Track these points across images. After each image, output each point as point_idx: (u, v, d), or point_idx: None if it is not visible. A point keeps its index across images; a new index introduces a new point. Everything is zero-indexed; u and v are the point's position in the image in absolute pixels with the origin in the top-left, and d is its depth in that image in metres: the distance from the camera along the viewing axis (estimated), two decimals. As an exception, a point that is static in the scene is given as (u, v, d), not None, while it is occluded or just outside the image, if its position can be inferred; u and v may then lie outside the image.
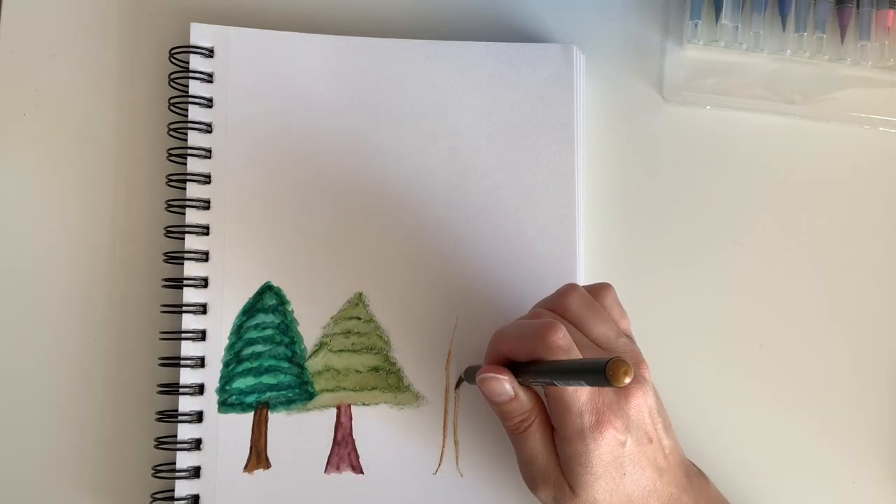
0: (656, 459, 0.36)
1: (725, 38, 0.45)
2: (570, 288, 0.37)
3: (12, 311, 0.42)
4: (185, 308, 0.41)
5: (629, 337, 0.38)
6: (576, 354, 0.34)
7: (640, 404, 0.35)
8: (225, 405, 0.41)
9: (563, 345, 0.34)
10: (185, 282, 0.41)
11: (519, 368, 0.36)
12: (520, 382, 0.36)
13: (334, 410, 0.41)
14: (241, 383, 0.41)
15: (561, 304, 0.37)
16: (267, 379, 0.41)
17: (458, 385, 0.42)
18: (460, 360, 0.42)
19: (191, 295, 0.41)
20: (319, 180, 0.42)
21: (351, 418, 0.41)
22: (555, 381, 0.33)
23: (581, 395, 0.34)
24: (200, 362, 0.41)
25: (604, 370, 0.28)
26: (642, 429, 0.35)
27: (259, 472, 0.40)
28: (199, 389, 0.41)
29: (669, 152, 0.46)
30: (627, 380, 0.28)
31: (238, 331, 0.41)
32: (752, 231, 0.45)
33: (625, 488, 0.35)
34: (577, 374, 0.31)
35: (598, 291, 0.38)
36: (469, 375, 0.40)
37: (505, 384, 0.35)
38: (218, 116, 0.42)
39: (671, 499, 0.36)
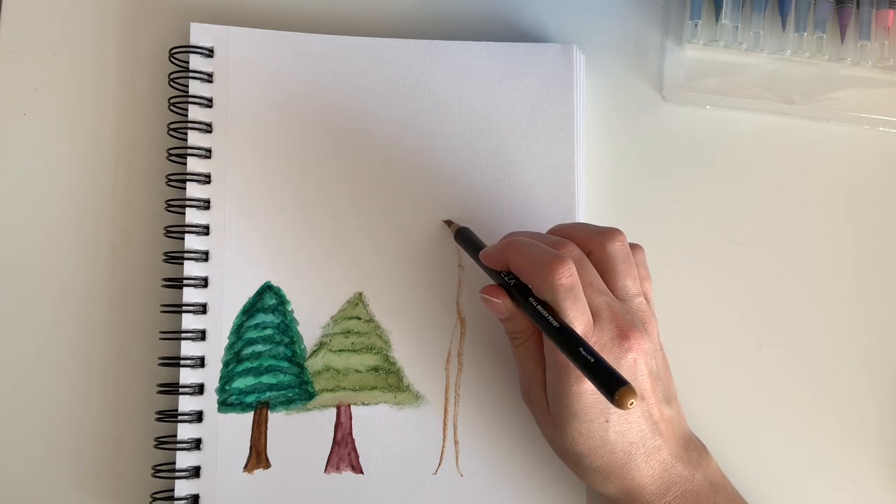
0: (650, 416, 0.36)
1: (725, 38, 0.45)
2: (617, 233, 0.37)
3: (12, 310, 0.42)
4: (184, 308, 0.41)
5: (647, 299, 0.38)
6: (576, 295, 0.34)
7: (637, 360, 0.35)
8: (225, 405, 0.41)
9: (566, 283, 0.34)
10: (185, 282, 0.41)
11: (521, 289, 0.36)
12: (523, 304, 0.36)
13: (334, 410, 0.41)
14: (240, 383, 0.41)
15: (599, 243, 0.37)
16: (267, 379, 0.41)
17: (455, 235, 0.42)
18: (463, 362, 0.42)
19: (191, 295, 0.41)
20: (319, 180, 0.42)
21: (351, 418, 0.41)
22: (551, 338, 0.34)
23: (577, 327, 0.34)
24: (200, 362, 0.41)
25: (613, 393, 0.29)
26: (635, 383, 0.35)
27: (259, 472, 0.40)
28: (199, 389, 0.41)
29: (669, 152, 0.46)
30: (631, 406, 0.29)
31: (238, 331, 0.41)
32: (752, 231, 0.45)
33: (606, 435, 0.35)
34: (585, 368, 0.31)
35: (633, 251, 0.38)
36: (467, 244, 0.40)
37: (501, 306, 0.37)
38: (218, 116, 0.42)
39: (663, 464, 0.36)
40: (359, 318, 0.42)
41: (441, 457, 0.41)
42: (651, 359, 0.36)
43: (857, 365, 0.45)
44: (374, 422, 0.41)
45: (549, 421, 0.37)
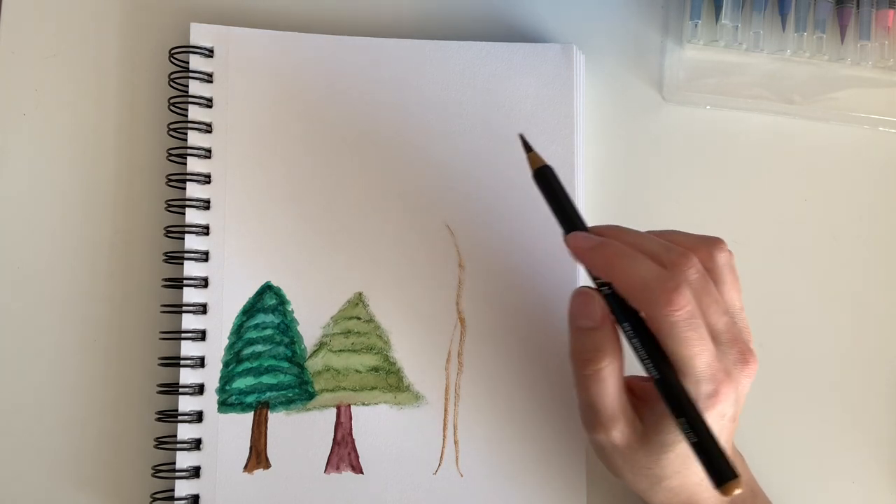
0: (731, 438, 0.36)
1: (725, 38, 0.45)
2: (722, 241, 0.35)
3: (12, 310, 0.42)
4: (185, 308, 0.41)
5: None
6: (696, 325, 0.31)
7: (748, 383, 0.34)
8: (225, 405, 0.41)
9: (684, 315, 0.31)
10: (185, 282, 0.41)
11: (625, 308, 0.33)
12: (618, 321, 0.33)
13: (334, 410, 0.41)
14: (240, 383, 0.41)
15: (708, 253, 0.34)
16: (267, 379, 0.41)
17: (536, 175, 0.37)
18: (463, 362, 0.42)
19: (191, 295, 0.41)
20: (319, 180, 0.42)
21: (351, 418, 0.41)
22: (663, 395, 0.32)
23: (701, 358, 0.32)
24: (200, 362, 0.41)
25: (722, 483, 0.30)
26: (739, 406, 0.34)
27: (259, 472, 0.40)
28: (199, 389, 0.41)
29: (669, 152, 0.46)
30: (735, 493, 0.29)
31: (238, 331, 0.41)
32: (752, 231, 0.45)
33: (691, 458, 0.34)
34: (697, 448, 0.31)
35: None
36: (549, 194, 0.36)
37: (596, 309, 0.33)
38: (218, 116, 0.42)
39: None
40: (359, 318, 0.42)
41: (441, 457, 0.41)
42: (748, 382, 0.35)
43: (857, 365, 0.45)
44: (374, 422, 0.41)
45: (635, 451, 0.34)
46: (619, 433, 0.35)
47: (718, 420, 0.33)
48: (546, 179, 0.37)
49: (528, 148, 0.37)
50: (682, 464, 0.34)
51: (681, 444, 0.34)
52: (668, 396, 0.32)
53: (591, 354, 0.34)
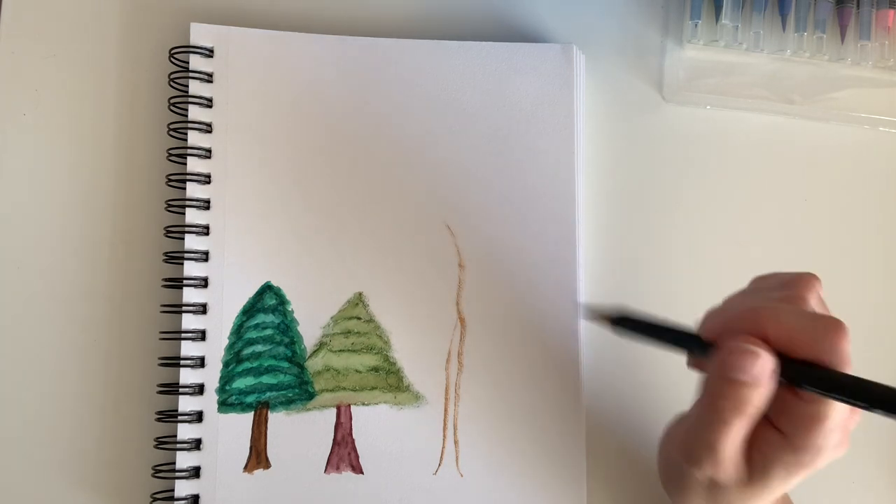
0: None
1: (725, 38, 0.45)
2: (817, 280, 0.33)
3: (12, 310, 0.42)
4: (185, 308, 0.41)
5: None
6: (849, 365, 0.30)
7: None
8: (225, 405, 0.41)
9: (849, 352, 0.30)
10: (185, 282, 0.41)
11: (792, 363, 0.31)
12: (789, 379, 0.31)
13: (334, 410, 0.41)
14: (240, 383, 0.41)
15: (804, 298, 0.32)
16: (267, 379, 0.41)
17: (613, 322, 0.35)
18: (463, 362, 0.42)
19: (191, 295, 0.41)
20: (319, 180, 0.42)
21: (351, 418, 0.41)
22: (847, 400, 0.29)
23: (842, 412, 0.30)
24: (200, 362, 0.41)
25: None
26: None
27: (259, 472, 0.40)
28: (199, 389, 0.41)
29: (669, 152, 0.46)
30: None
31: (238, 331, 0.41)
32: (752, 231, 0.45)
33: (783, 491, 0.33)
34: None
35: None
36: (643, 330, 0.34)
37: (763, 367, 0.30)
38: (218, 116, 0.42)
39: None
40: (359, 318, 0.42)
41: (441, 457, 0.41)
42: None
43: (857, 364, 0.44)
44: (374, 422, 0.41)
45: (733, 486, 0.33)
46: (724, 475, 0.33)
47: (814, 470, 0.32)
48: (629, 325, 0.35)
49: (594, 314, 0.36)
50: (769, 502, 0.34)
51: (779, 490, 0.33)
52: (848, 392, 0.29)
53: (741, 406, 0.31)
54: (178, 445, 0.40)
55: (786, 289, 0.33)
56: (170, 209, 0.42)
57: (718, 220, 0.45)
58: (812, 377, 0.30)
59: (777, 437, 0.32)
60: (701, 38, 0.45)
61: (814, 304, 0.33)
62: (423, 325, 0.42)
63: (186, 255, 0.41)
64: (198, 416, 0.41)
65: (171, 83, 0.42)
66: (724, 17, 0.44)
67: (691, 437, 0.33)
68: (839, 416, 0.31)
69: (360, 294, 0.42)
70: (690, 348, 0.34)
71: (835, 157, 0.46)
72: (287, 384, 0.41)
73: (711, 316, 0.34)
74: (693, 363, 0.36)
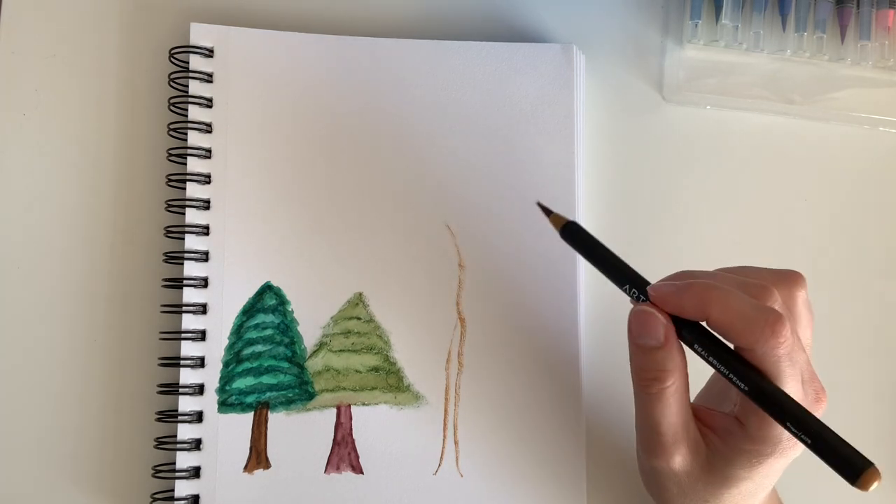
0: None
1: (725, 38, 0.45)
2: (801, 277, 0.33)
3: (12, 310, 0.42)
4: (185, 308, 0.41)
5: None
6: (794, 360, 0.30)
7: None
8: (225, 405, 0.41)
9: (786, 349, 0.30)
10: (185, 282, 0.41)
11: (699, 329, 0.31)
12: (682, 338, 0.31)
13: (334, 410, 0.41)
14: (240, 383, 0.41)
15: (788, 291, 0.32)
16: (267, 379, 0.41)
17: (561, 230, 0.35)
18: (463, 362, 0.42)
19: (191, 295, 0.41)
20: (319, 180, 0.42)
21: (351, 418, 0.41)
22: (766, 408, 0.30)
23: (795, 396, 0.30)
24: (200, 362, 0.41)
25: (858, 474, 0.26)
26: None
27: (259, 472, 0.40)
28: (199, 389, 0.41)
29: (669, 152, 0.46)
30: (874, 488, 0.27)
31: (238, 331, 0.41)
32: (752, 231, 0.45)
33: (756, 494, 0.33)
34: (821, 448, 0.28)
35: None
36: (584, 248, 0.35)
37: (660, 328, 0.31)
38: (218, 116, 0.42)
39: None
40: (359, 319, 0.42)
41: (441, 457, 0.41)
42: None
43: (857, 364, 0.45)
44: (374, 422, 0.41)
45: (694, 481, 0.33)
46: (681, 458, 0.33)
47: (789, 461, 0.32)
48: (576, 236, 0.35)
49: (547, 212, 0.37)
50: (742, 500, 0.34)
51: (746, 482, 0.33)
52: (766, 404, 0.30)
53: (656, 373, 0.32)
54: (178, 445, 0.40)
55: (760, 279, 0.33)
56: (170, 209, 0.42)
57: (718, 220, 0.45)
58: (724, 366, 0.31)
59: (737, 427, 0.32)
60: (701, 38, 0.45)
61: (784, 303, 0.32)
62: (423, 325, 0.42)
63: (186, 255, 0.41)
64: (198, 416, 0.41)
65: (171, 83, 0.42)
66: (724, 17, 0.44)
67: (638, 427, 0.34)
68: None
69: (360, 294, 0.42)
70: (626, 286, 0.34)
71: (835, 157, 0.46)
72: (287, 384, 0.41)
73: (673, 276, 0.34)
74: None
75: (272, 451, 0.41)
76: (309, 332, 0.42)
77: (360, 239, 0.42)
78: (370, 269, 0.42)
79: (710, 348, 0.31)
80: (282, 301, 0.42)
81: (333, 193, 0.42)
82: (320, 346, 0.42)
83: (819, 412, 0.33)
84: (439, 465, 0.41)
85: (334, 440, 0.41)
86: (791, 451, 0.32)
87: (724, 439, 0.33)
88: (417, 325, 0.42)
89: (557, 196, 0.43)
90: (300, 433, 0.41)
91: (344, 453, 0.41)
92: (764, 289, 0.31)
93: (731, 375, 0.31)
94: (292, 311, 0.42)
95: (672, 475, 0.34)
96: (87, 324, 0.42)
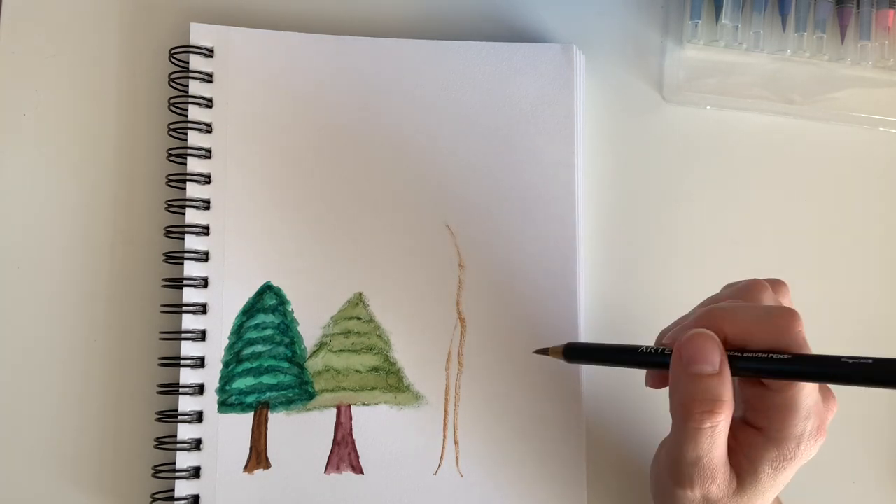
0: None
1: (725, 38, 0.45)
2: (762, 286, 0.34)
3: (12, 310, 0.42)
4: (185, 308, 0.41)
5: None
6: (808, 348, 0.31)
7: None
8: (225, 405, 0.41)
9: (804, 336, 0.31)
10: (185, 282, 0.41)
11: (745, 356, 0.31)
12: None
13: (334, 410, 0.41)
14: (240, 383, 0.41)
15: (757, 299, 0.33)
16: (267, 379, 0.41)
17: (565, 355, 0.37)
18: (463, 362, 0.42)
19: (191, 295, 0.41)
20: (319, 180, 0.42)
21: (351, 418, 0.41)
22: (810, 374, 0.30)
23: (811, 396, 0.31)
24: (200, 362, 0.41)
25: None
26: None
27: (259, 472, 0.40)
28: (199, 389, 0.41)
29: (669, 152, 0.46)
30: None
31: (238, 331, 0.41)
32: (752, 231, 0.45)
33: (772, 497, 0.33)
34: (876, 367, 0.28)
35: (779, 290, 0.35)
36: (592, 356, 0.36)
37: (717, 353, 0.30)
38: (218, 116, 0.42)
39: None
40: (359, 319, 0.42)
41: (441, 457, 0.41)
42: None
43: (857, 365, 0.44)
44: (374, 422, 0.41)
45: (725, 497, 0.33)
46: (716, 488, 0.32)
47: (807, 460, 0.32)
48: (578, 353, 0.37)
49: (543, 352, 0.38)
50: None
51: (771, 492, 0.33)
52: (814, 365, 0.30)
53: (711, 406, 0.31)
54: (178, 445, 0.40)
55: (737, 295, 0.34)
56: (170, 209, 0.42)
57: (718, 220, 0.45)
58: (773, 365, 0.30)
59: (757, 436, 0.32)
60: (701, 38, 0.45)
61: (770, 303, 0.33)
62: (423, 325, 0.42)
63: (186, 255, 0.41)
64: (198, 417, 0.41)
65: (171, 83, 0.42)
66: (724, 17, 0.44)
67: (676, 457, 0.33)
68: (810, 400, 0.31)
69: (360, 294, 0.42)
70: (647, 363, 0.34)
71: (835, 157, 0.46)
72: (287, 384, 0.41)
73: (666, 330, 0.35)
74: (651, 380, 0.37)
75: (272, 451, 0.41)
76: (309, 332, 0.42)
77: (360, 239, 0.42)
78: (370, 269, 0.42)
79: (752, 361, 0.31)
80: (282, 301, 0.42)
81: (333, 193, 0.42)
82: (320, 346, 0.42)
83: (830, 411, 0.33)
84: (439, 465, 0.41)
85: (334, 440, 0.41)
86: (810, 450, 0.32)
87: (746, 453, 0.33)
88: (417, 325, 0.42)
89: (557, 196, 0.43)
90: (300, 433, 0.41)
91: (344, 453, 0.41)
92: (753, 299, 0.33)
93: (782, 369, 0.30)
94: (292, 311, 0.42)
95: (697, 501, 0.33)
96: (87, 324, 0.42)
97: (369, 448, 0.41)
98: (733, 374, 0.31)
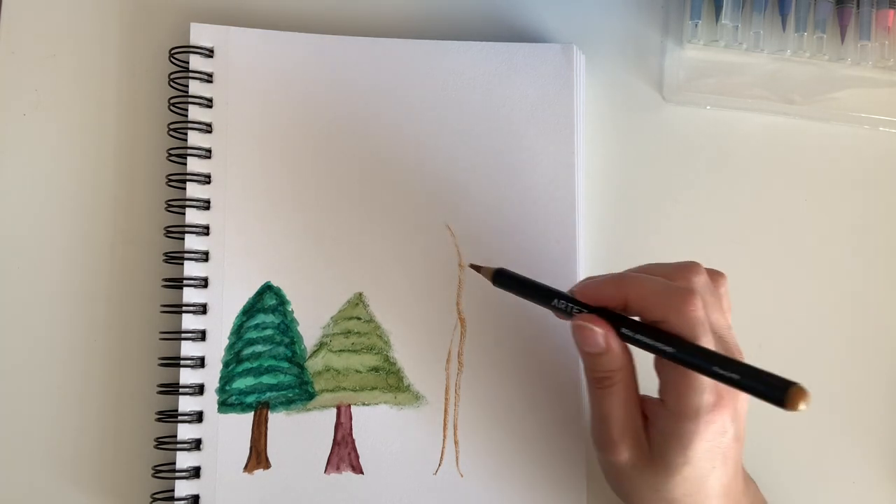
0: (738, 460, 0.35)
1: (725, 38, 0.45)
2: (697, 267, 0.35)
3: (12, 311, 0.42)
4: (185, 308, 0.41)
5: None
6: (707, 328, 0.32)
7: (746, 399, 0.34)
8: (225, 405, 0.41)
9: (701, 315, 0.32)
10: (185, 282, 0.41)
11: (628, 322, 0.34)
12: (621, 336, 0.34)
13: (334, 410, 0.41)
14: (240, 383, 0.41)
15: (686, 280, 0.35)
16: (267, 379, 0.41)
17: (493, 278, 0.38)
18: (463, 362, 0.42)
19: (191, 295, 0.41)
20: (319, 180, 0.42)
21: (351, 418, 0.41)
22: (686, 361, 0.32)
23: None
24: (200, 362, 0.41)
25: (784, 390, 0.28)
26: (740, 425, 0.34)
27: (259, 472, 0.40)
28: (199, 389, 0.41)
29: (669, 152, 0.46)
30: (803, 408, 0.28)
31: (238, 331, 0.41)
32: (752, 231, 0.45)
33: (707, 482, 0.34)
34: (747, 377, 0.30)
35: (715, 278, 0.36)
36: (517, 285, 0.38)
37: (599, 338, 0.34)
38: (218, 116, 0.42)
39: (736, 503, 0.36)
40: (359, 319, 0.42)
41: (441, 457, 0.41)
42: (746, 399, 0.35)
43: (857, 365, 0.45)
44: (374, 422, 0.41)
45: (642, 471, 0.35)
46: (627, 452, 0.35)
47: (719, 437, 0.33)
48: (507, 278, 0.38)
49: (476, 268, 0.39)
50: (692, 488, 0.34)
51: (685, 467, 0.34)
52: (692, 356, 0.32)
53: (603, 373, 0.35)
54: (178, 445, 0.40)
55: (671, 269, 0.35)
56: (170, 209, 0.42)
57: (718, 220, 0.45)
58: (658, 344, 0.33)
59: (662, 408, 0.34)
60: (701, 38, 0.45)
61: (697, 286, 0.35)
62: (423, 325, 0.42)
63: (186, 255, 0.41)
64: (198, 417, 0.41)
65: (171, 83, 0.42)
66: (724, 17, 0.44)
67: (592, 424, 0.36)
68: (703, 375, 0.32)
69: (360, 294, 0.42)
70: (558, 311, 0.37)
71: (835, 157, 0.46)
72: (287, 384, 0.41)
73: (586, 279, 0.37)
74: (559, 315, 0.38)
75: (272, 451, 0.41)
76: (309, 332, 0.42)
77: (360, 239, 0.42)
78: (370, 269, 0.42)
79: (639, 331, 0.34)
80: (282, 301, 0.42)
81: (334, 193, 0.42)
82: (320, 346, 0.42)
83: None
84: (439, 465, 0.41)
85: (334, 440, 0.41)
86: (714, 425, 0.33)
87: (654, 424, 0.35)
88: (417, 325, 0.42)
89: (557, 196, 0.43)
90: (300, 433, 0.41)
91: (344, 453, 0.41)
92: (683, 268, 0.35)
93: (657, 344, 0.33)
94: (292, 311, 0.42)
95: (623, 469, 0.35)
96: (87, 324, 0.42)
97: (369, 448, 0.41)
98: (630, 343, 0.34)
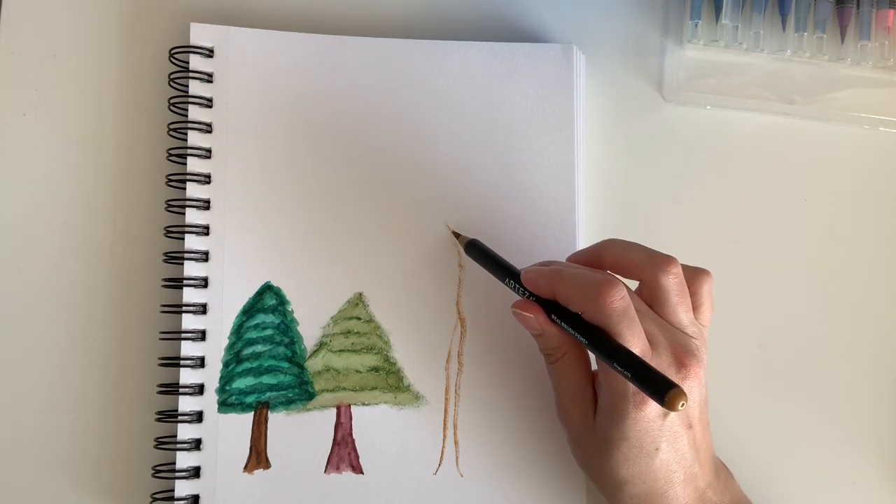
0: (695, 443, 0.36)
1: (725, 38, 0.45)
2: (672, 263, 0.36)
3: (12, 310, 0.42)
4: (184, 308, 0.41)
5: (704, 326, 0.38)
6: (631, 318, 0.34)
7: (693, 386, 0.35)
8: (225, 405, 0.41)
9: (619, 307, 0.33)
10: (185, 282, 0.41)
11: (556, 309, 0.36)
12: (552, 321, 0.36)
13: (334, 410, 0.41)
14: (240, 383, 0.41)
15: (652, 275, 0.36)
16: (267, 379, 0.41)
17: (465, 247, 0.41)
18: (463, 362, 0.42)
19: (191, 295, 0.41)
20: (319, 180, 0.42)
21: (351, 418, 0.41)
22: (599, 355, 0.34)
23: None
24: (200, 362, 0.41)
25: (665, 392, 0.30)
26: (686, 411, 0.35)
27: (259, 472, 0.40)
28: (199, 389, 0.41)
29: (669, 152, 0.46)
30: (680, 408, 0.30)
31: (238, 331, 0.41)
32: (752, 231, 0.45)
33: (653, 462, 0.35)
34: (636, 375, 0.32)
35: (695, 277, 0.37)
36: (482, 257, 0.40)
37: (532, 321, 0.36)
38: (218, 116, 0.42)
39: (697, 491, 0.36)
40: (359, 319, 0.42)
41: (441, 457, 0.41)
42: (703, 387, 0.36)
43: (857, 365, 0.45)
44: (374, 422, 0.41)
45: (590, 442, 0.36)
46: (578, 422, 0.37)
47: (658, 420, 0.34)
48: (477, 249, 0.40)
49: (456, 235, 0.42)
50: (639, 469, 0.35)
51: (623, 442, 0.34)
52: (599, 348, 0.34)
53: (549, 350, 0.37)
54: (178, 445, 0.40)
55: (647, 261, 0.37)
56: (170, 209, 0.42)
57: (718, 220, 0.45)
58: (577, 333, 0.35)
59: (600, 391, 0.36)
60: (701, 38, 0.45)
61: (669, 280, 0.36)
62: (423, 325, 0.42)
63: (186, 255, 0.41)
64: (198, 416, 0.41)
65: (171, 83, 0.42)
66: (724, 17, 0.44)
67: (557, 402, 0.38)
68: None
69: (360, 294, 0.42)
70: (506, 280, 0.39)
71: (835, 157, 0.46)
72: (287, 384, 0.41)
73: (534, 265, 0.38)
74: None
75: (272, 451, 0.41)
76: (309, 332, 0.42)
77: (360, 239, 0.42)
78: (370, 269, 0.42)
79: (563, 318, 0.36)
80: (282, 301, 0.42)
81: (333, 193, 0.42)
82: (320, 346, 0.42)
83: (680, 376, 0.35)
84: (439, 465, 0.41)
85: (334, 440, 0.41)
86: (644, 405, 0.34)
87: (598, 399, 0.36)
88: (417, 325, 0.42)
89: (557, 196, 0.43)
90: (300, 433, 0.41)
91: (344, 453, 0.41)
92: (608, 281, 0.35)
93: (576, 335, 0.35)
94: (292, 311, 0.42)
95: (577, 438, 0.37)
96: (88, 324, 0.42)
97: (369, 448, 0.41)
98: (561, 328, 0.36)
